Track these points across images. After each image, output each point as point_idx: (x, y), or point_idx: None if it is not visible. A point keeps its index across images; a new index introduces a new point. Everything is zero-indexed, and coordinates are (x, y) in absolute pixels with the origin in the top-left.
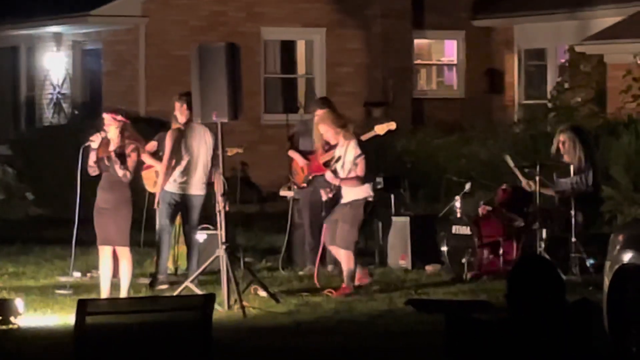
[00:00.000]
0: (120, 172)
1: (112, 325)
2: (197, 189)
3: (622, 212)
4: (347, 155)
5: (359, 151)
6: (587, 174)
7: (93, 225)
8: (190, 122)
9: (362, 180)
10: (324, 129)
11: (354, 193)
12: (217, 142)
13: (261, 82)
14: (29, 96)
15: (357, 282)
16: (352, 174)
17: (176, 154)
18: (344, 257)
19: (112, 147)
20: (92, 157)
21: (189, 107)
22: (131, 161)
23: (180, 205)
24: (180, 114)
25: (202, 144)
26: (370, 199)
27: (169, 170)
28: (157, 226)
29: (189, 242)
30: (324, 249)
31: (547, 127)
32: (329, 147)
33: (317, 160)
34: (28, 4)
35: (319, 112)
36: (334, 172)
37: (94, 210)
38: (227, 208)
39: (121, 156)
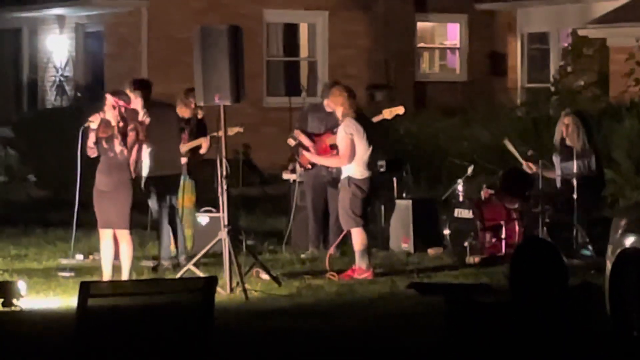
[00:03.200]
0: (118, 147)
1: (114, 307)
2: (168, 168)
3: (624, 195)
4: (338, 133)
5: (349, 130)
6: (590, 158)
7: (94, 208)
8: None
9: (347, 159)
10: (330, 105)
11: (342, 173)
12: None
13: (263, 64)
14: (31, 78)
15: (356, 275)
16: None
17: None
18: (352, 237)
19: (112, 126)
20: (92, 138)
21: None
22: (129, 140)
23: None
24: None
25: (165, 125)
26: (355, 177)
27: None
28: (153, 212)
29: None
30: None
31: (550, 111)
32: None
33: (324, 142)
34: None
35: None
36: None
37: (94, 193)
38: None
39: (122, 136)
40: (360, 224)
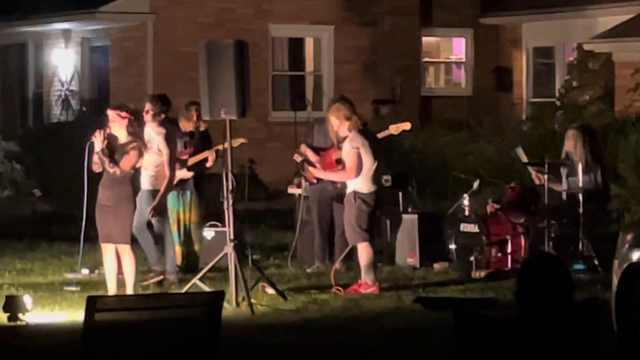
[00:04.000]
0: (109, 169)
1: (120, 322)
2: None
3: (630, 210)
4: (344, 148)
5: (355, 144)
6: (595, 172)
7: (96, 222)
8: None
9: (354, 173)
10: (333, 120)
11: (348, 188)
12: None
13: (269, 79)
14: (37, 93)
15: (362, 289)
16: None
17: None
18: (358, 252)
19: (118, 142)
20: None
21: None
22: (129, 158)
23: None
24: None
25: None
26: (361, 192)
27: None
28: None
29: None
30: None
31: (555, 125)
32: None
33: (330, 156)
34: (36, 1)
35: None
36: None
37: (96, 207)
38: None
39: (122, 152)
40: (366, 238)
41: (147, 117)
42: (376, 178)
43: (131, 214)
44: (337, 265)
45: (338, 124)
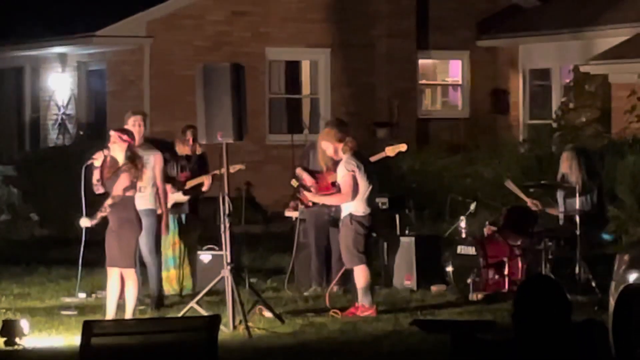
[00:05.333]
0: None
1: (117, 346)
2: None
3: (627, 231)
4: (338, 171)
5: (350, 166)
6: (592, 194)
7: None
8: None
9: (350, 195)
10: (325, 144)
11: (343, 211)
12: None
13: (266, 102)
14: (33, 117)
15: (359, 312)
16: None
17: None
18: (354, 275)
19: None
20: (96, 175)
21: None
22: (120, 182)
23: None
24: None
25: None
26: (357, 214)
27: None
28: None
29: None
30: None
31: (552, 147)
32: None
33: (326, 180)
34: (32, 25)
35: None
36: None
37: (106, 231)
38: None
39: (115, 176)
40: (363, 261)
41: (139, 134)
42: (371, 200)
43: (134, 237)
44: (333, 288)
45: (332, 147)
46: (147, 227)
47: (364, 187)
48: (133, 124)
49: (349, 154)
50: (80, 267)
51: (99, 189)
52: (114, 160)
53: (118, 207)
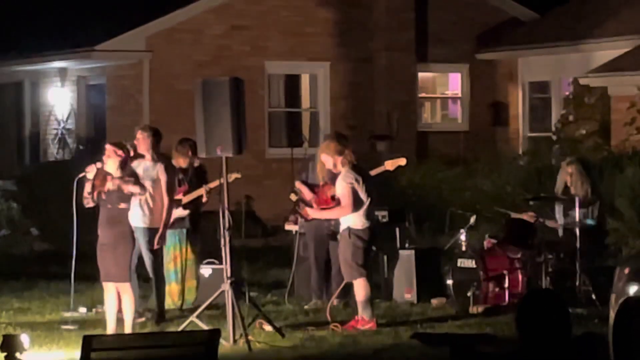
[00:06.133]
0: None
1: None
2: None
3: (627, 244)
4: (337, 184)
5: (348, 179)
6: (593, 206)
7: (97, 260)
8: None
9: (349, 208)
10: (324, 157)
11: (342, 224)
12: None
13: (265, 116)
14: (33, 131)
15: (359, 325)
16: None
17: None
18: (354, 288)
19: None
20: (87, 188)
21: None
22: (126, 190)
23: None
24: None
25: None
26: (355, 228)
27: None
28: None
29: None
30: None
31: (552, 160)
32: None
33: (325, 194)
34: (32, 39)
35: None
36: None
37: (97, 246)
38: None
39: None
40: (363, 274)
41: (143, 148)
42: (371, 214)
43: (129, 252)
44: (334, 301)
45: (332, 160)
46: (144, 243)
47: (362, 200)
48: (139, 137)
49: (348, 167)
50: (73, 281)
51: (89, 203)
52: (107, 174)
53: (114, 222)
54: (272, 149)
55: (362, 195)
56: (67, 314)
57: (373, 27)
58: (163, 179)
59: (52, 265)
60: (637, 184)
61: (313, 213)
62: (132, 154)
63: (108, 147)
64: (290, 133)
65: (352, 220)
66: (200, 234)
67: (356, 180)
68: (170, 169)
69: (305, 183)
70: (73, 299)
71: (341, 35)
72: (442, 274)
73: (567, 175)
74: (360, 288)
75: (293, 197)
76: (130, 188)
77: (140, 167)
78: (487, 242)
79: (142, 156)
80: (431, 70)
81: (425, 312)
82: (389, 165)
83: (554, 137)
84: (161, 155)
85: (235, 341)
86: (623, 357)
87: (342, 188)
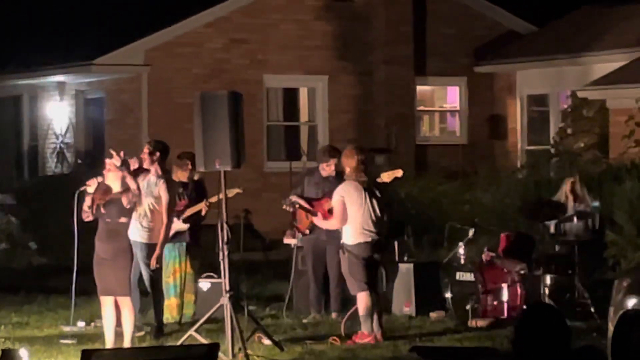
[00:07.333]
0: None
1: None
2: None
3: (625, 257)
4: (333, 196)
5: (341, 192)
6: (594, 219)
7: (94, 275)
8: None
9: (338, 221)
10: (345, 162)
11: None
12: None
13: (264, 129)
14: (32, 145)
15: (358, 339)
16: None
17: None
18: (357, 302)
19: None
20: (87, 201)
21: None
22: (125, 204)
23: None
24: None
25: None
26: (347, 243)
27: None
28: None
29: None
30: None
31: (550, 173)
32: None
33: (322, 207)
34: (31, 53)
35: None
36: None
37: (94, 260)
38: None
39: (113, 202)
40: (363, 288)
41: (148, 162)
42: (380, 226)
43: (129, 265)
44: (348, 317)
45: (347, 168)
46: (142, 258)
47: (353, 214)
48: (146, 151)
49: (346, 181)
50: (73, 295)
51: (88, 217)
52: (107, 187)
53: (113, 236)
54: (271, 163)
55: (354, 210)
56: (66, 328)
57: (372, 41)
58: (164, 197)
59: (50, 280)
60: (636, 197)
61: (317, 221)
62: (136, 166)
63: (108, 161)
64: (289, 146)
65: (345, 236)
66: (200, 248)
67: (348, 194)
68: (171, 186)
69: (300, 197)
70: (73, 313)
71: (340, 49)
72: (441, 288)
73: (569, 189)
74: (360, 302)
75: (288, 208)
76: (129, 195)
77: (144, 181)
78: (486, 256)
79: (147, 170)
80: (430, 83)
81: (424, 325)
82: (386, 177)
83: (553, 150)
84: (167, 172)
85: (234, 355)
86: None
87: (334, 200)
